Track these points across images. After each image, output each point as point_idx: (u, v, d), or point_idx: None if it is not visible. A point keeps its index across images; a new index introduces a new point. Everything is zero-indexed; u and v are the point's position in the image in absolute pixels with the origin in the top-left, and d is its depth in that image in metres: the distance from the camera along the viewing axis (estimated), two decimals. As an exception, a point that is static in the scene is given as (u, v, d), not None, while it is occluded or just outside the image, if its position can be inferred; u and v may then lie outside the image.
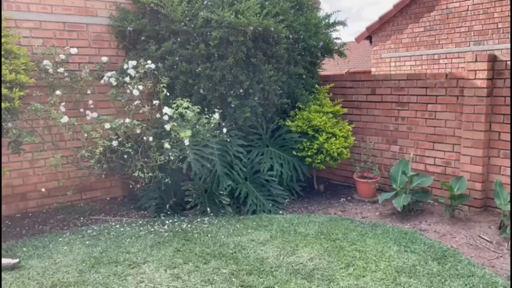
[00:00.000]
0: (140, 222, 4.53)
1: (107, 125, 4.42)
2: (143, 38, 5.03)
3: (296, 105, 5.54)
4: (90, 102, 4.86)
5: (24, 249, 3.84)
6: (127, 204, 5.17)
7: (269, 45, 4.94)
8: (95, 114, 4.58)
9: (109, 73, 4.70)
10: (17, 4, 4.63)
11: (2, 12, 4.29)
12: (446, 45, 9.26)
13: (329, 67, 9.08)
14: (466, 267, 3.42)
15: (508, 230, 4.00)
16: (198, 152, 4.59)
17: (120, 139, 4.53)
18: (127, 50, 5.27)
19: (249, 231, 4.23)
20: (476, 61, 4.66)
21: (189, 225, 4.39)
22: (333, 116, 5.49)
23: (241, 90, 4.87)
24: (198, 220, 4.56)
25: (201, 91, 4.83)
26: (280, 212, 4.90)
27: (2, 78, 3.92)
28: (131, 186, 4.94)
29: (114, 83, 4.66)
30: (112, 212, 4.95)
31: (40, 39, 4.79)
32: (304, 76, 5.54)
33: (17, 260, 3.52)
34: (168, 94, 4.71)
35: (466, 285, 3.15)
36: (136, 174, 4.54)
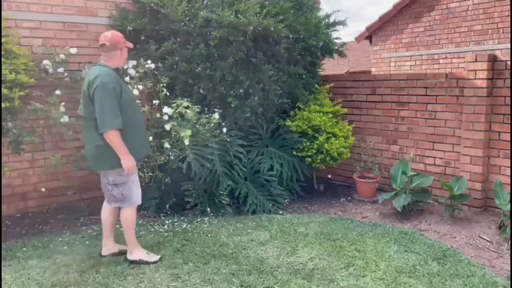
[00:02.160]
0: (140, 222, 4.52)
1: (107, 125, 4.41)
2: (143, 38, 5.02)
3: (296, 105, 5.54)
4: (90, 102, 4.85)
5: (24, 249, 3.84)
6: (127, 204, 5.15)
7: (269, 45, 4.94)
8: (95, 114, 4.57)
9: (109, 73, 4.69)
10: (17, 4, 4.63)
11: (2, 12, 4.29)
12: (446, 45, 9.26)
13: (329, 67, 9.08)
14: (466, 267, 3.42)
15: (508, 230, 4.00)
16: (198, 152, 4.59)
17: (120, 139, 4.53)
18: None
19: (249, 231, 4.23)
20: (476, 61, 4.66)
21: (189, 225, 4.39)
22: (333, 116, 5.49)
23: (241, 90, 4.86)
24: (198, 220, 4.56)
25: (201, 91, 4.83)
26: (280, 212, 4.89)
27: (2, 78, 3.92)
28: (131, 186, 4.93)
29: (114, 83, 4.65)
30: (112, 212, 4.94)
31: (40, 39, 4.78)
32: (304, 76, 5.54)
33: (159, 256, 3.59)
34: (168, 94, 4.70)
35: (466, 285, 3.15)
36: (136, 174, 4.54)
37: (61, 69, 4.62)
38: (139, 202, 3.53)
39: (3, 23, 4.16)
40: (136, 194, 3.47)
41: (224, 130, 4.74)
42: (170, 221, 4.51)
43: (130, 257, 3.52)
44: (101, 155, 3.29)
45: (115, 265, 3.48)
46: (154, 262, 3.48)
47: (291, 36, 5.12)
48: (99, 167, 3.40)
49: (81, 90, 3.34)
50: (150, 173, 4.57)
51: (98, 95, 3.13)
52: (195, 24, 4.71)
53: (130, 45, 3.49)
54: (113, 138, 3.18)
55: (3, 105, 3.87)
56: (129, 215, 3.50)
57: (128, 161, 3.26)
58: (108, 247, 3.67)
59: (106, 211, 3.62)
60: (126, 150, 3.25)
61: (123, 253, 3.64)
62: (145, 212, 4.85)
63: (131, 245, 3.54)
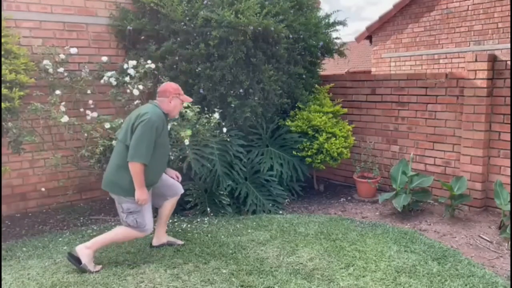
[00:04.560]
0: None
1: (107, 125, 4.41)
2: (143, 37, 5.02)
3: (296, 105, 5.54)
4: (90, 102, 4.85)
5: (24, 249, 3.84)
6: (127, 204, 5.16)
7: (269, 45, 4.94)
8: (95, 114, 4.57)
9: (109, 73, 4.69)
10: (17, 4, 4.63)
11: (2, 12, 4.29)
12: (446, 45, 9.26)
13: (329, 67, 9.07)
14: (466, 267, 3.42)
15: (508, 230, 4.00)
16: (198, 152, 4.59)
17: (120, 139, 4.53)
18: (127, 49, 5.27)
19: (249, 231, 4.23)
20: (476, 61, 4.66)
21: (189, 225, 4.39)
22: (333, 116, 5.49)
23: (241, 90, 4.86)
24: (198, 220, 4.56)
25: (201, 91, 4.83)
26: (280, 212, 4.89)
27: (2, 78, 3.92)
28: (131, 186, 4.93)
29: (114, 83, 4.66)
30: (112, 212, 4.94)
31: (40, 39, 4.78)
32: (304, 76, 5.54)
33: (183, 242, 3.90)
34: (168, 94, 4.70)
35: (466, 285, 3.15)
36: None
37: (61, 69, 4.62)
38: (150, 230, 3.52)
39: (3, 23, 4.16)
40: (149, 222, 3.48)
41: (224, 130, 4.74)
42: (170, 221, 4.50)
43: (78, 253, 3.37)
44: (118, 180, 3.39)
45: (115, 265, 3.48)
46: (92, 272, 3.35)
47: (291, 36, 5.12)
48: (114, 191, 3.45)
49: (127, 117, 3.52)
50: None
51: (142, 128, 3.31)
52: (195, 24, 4.71)
53: (186, 99, 3.63)
54: (138, 170, 3.31)
55: (3, 105, 3.87)
56: (129, 234, 3.49)
57: (142, 194, 3.35)
58: (158, 238, 3.85)
59: (165, 203, 3.77)
60: (144, 183, 3.36)
61: (171, 244, 3.84)
62: (145, 212, 4.85)
63: (93, 245, 3.42)
